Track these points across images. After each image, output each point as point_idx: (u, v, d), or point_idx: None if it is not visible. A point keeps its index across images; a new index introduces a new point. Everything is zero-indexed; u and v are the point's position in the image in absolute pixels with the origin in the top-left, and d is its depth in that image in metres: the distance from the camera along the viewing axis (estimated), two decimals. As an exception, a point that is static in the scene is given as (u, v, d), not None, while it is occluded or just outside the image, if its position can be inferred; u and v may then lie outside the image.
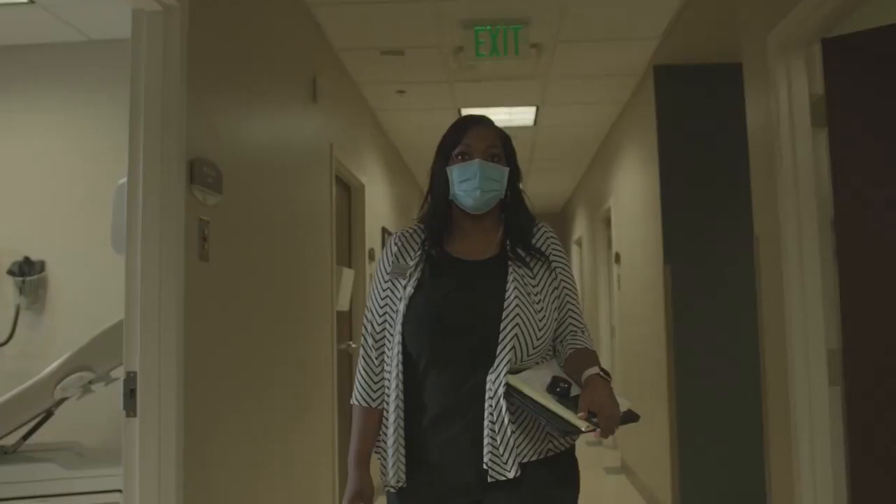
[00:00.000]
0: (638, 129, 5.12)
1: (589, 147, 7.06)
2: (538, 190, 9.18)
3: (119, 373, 3.01)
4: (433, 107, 5.46)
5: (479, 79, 4.83)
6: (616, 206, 6.24)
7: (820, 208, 2.47)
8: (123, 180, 2.20)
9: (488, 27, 3.94)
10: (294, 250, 3.42)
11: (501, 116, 5.62)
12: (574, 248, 9.91)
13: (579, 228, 9.24)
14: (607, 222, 6.80)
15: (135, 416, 2.05)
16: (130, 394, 2.05)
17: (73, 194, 3.76)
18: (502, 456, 1.53)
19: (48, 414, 3.15)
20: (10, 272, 3.80)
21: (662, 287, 4.42)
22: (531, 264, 1.68)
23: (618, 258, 6.14)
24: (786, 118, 2.58)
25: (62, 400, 3.08)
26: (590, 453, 6.32)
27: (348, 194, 4.98)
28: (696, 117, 4.41)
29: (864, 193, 2.37)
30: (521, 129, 6.07)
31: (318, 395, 3.77)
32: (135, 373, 2.06)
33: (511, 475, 1.53)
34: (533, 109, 5.68)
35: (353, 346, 4.68)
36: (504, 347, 1.57)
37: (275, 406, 3.07)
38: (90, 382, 3.05)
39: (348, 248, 4.92)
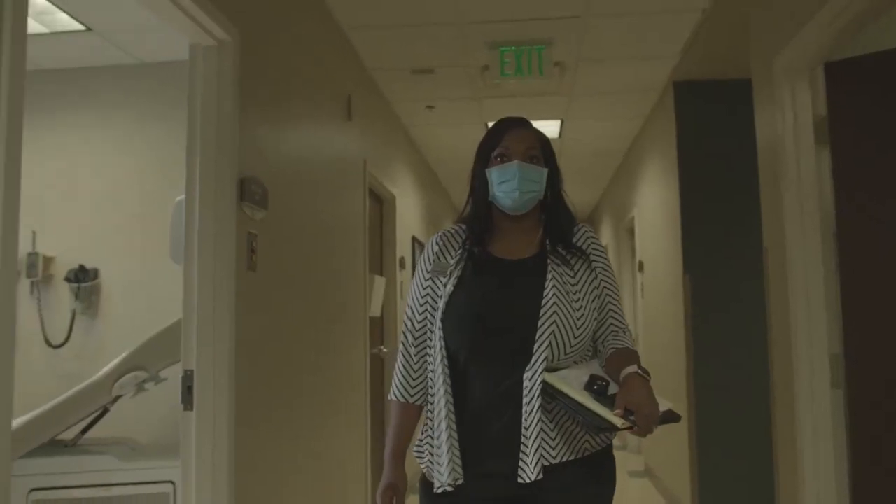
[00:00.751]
0: (659, 143, 5.28)
1: (613, 159, 7.22)
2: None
3: (167, 373, 3.30)
4: (461, 122, 5.68)
5: (504, 95, 5.03)
6: (639, 217, 6.39)
7: (823, 221, 2.63)
8: (181, 197, 2.44)
9: (513, 48, 4.14)
10: (330, 259, 3.65)
11: (527, 129, 5.82)
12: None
13: (605, 236, 9.38)
14: (631, 232, 6.95)
15: (192, 409, 2.28)
16: (188, 390, 2.28)
17: (123, 207, 4.00)
18: (528, 457, 1.54)
19: (104, 411, 3.41)
20: (67, 279, 4.07)
21: (682, 297, 4.57)
22: (572, 263, 1.68)
23: (641, 267, 6.29)
24: (791, 137, 2.74)
25: (117, 397, 3.34)
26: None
27: (380, 206, 5.21)
28: (715, 132, 4.56)
29: (864, 208, 2.53)
30: (547, 141, 6.26)
31: (354, 398, 3.99)
32: (192, 371, 2.29)
33: (531, 479, 1.53)
34: (558, 123, 5.86)
35: (385, 350, 4.90)
36: (541, 346, 1.56)
37: (314, 407, 3.29)
38: (143, 381, 3.30)
39: (380, 257, 5.15)
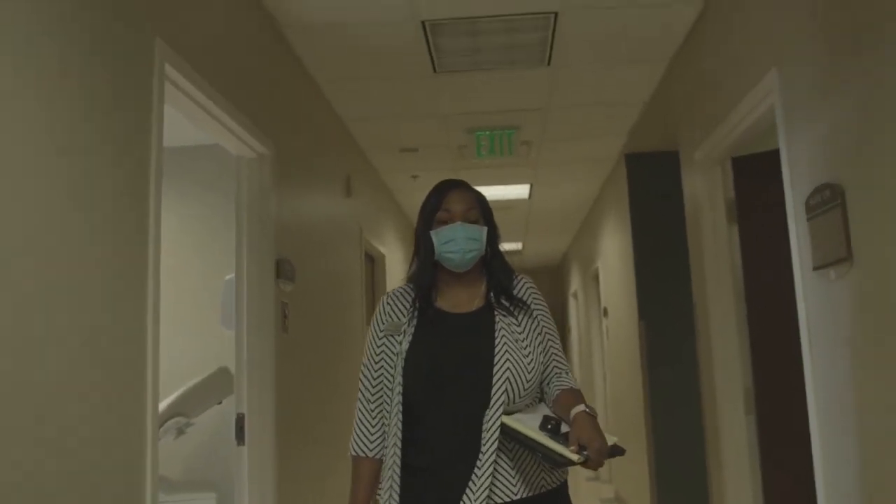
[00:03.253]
0: (615, 204, 6.02)
1: (578, 214, 7.98)
2: (536, 247, 10.13)
3: (196, 419, 3.90)
4: (441, 187, 6.38)
5: (480, 166, 5.76)
6: (603, 266, 7.10)
7: (735, 283, 3.33)
8: (230, 276, 3.08)
9: (487, 132, 4.88)
10: (338, 316, 4.30)
11: (499, 190, 6.54)
12: (571, 301, 10.77)
13: (574, 283, 10.10)
14: (596, 279, 7.66)
15: (244, 444, 2.89)
16: (240, 429, 2.89)
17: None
18: (473, 493, 1.61)
19: (145, 452, 3.97)
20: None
21: (638, 340, 5.24)
22: (515, 313, 1.79)
23: (606, 312, 6.99)
24: (709, 214, 3.46)
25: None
26: (588, 487, 7.08)
27: (372, 264, 5.87)
28: (661, 195, 5.27)
29: (763, 273, 3.24)
30: (518, 201, 7.00)
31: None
32: (243, 413, 2.90)
33: None
34: (527, 186, 6.60)
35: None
36: (497, 391, 1.66)
37: (330, 445, 3.90)
38: (183, 426, 3.89)
39: (372, 310, 5.77)
